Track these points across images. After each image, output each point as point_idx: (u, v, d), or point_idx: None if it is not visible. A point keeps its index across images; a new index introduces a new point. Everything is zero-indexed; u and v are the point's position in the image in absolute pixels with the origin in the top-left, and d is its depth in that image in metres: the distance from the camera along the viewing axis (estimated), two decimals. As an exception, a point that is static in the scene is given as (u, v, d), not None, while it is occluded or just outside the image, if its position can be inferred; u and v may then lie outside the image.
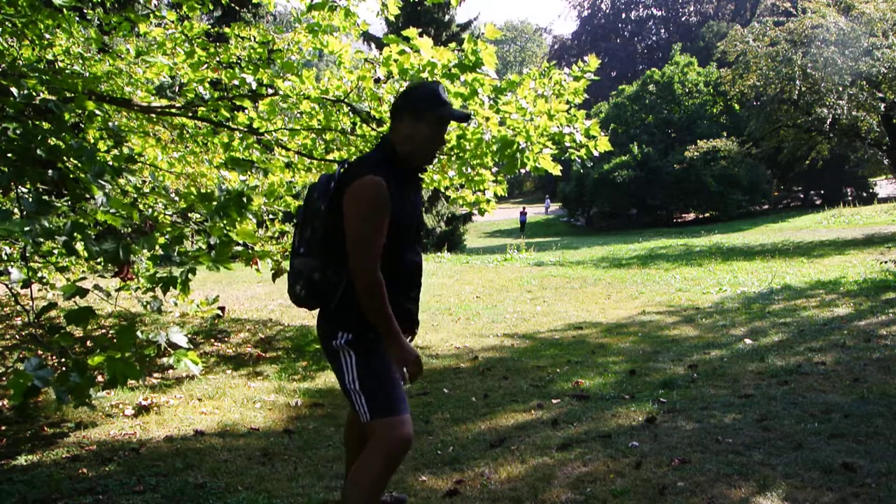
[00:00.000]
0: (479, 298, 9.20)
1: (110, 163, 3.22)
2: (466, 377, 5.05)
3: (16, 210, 3.78)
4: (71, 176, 3.07)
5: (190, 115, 5.19)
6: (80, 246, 3.15)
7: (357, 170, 2.23)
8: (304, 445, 3.64)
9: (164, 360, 3.86)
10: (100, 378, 2.78)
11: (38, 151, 2.88)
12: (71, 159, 3.08)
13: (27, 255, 4.62)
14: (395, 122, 2.32)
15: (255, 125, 5.39)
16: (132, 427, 3.97)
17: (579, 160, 5.08)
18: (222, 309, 7.43)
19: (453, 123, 5.14)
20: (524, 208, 39.71)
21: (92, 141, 5.13)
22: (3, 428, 3.98)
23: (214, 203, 3.15)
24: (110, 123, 4.80)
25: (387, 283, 2.21)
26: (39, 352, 4.59)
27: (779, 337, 5.78)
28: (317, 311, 2.38)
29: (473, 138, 4.90)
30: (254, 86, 4.90)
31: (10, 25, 4.19)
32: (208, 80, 5.15)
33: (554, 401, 4.30)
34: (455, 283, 10.74)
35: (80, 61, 5.10)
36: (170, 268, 3.24)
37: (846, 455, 3.09)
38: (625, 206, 33.90)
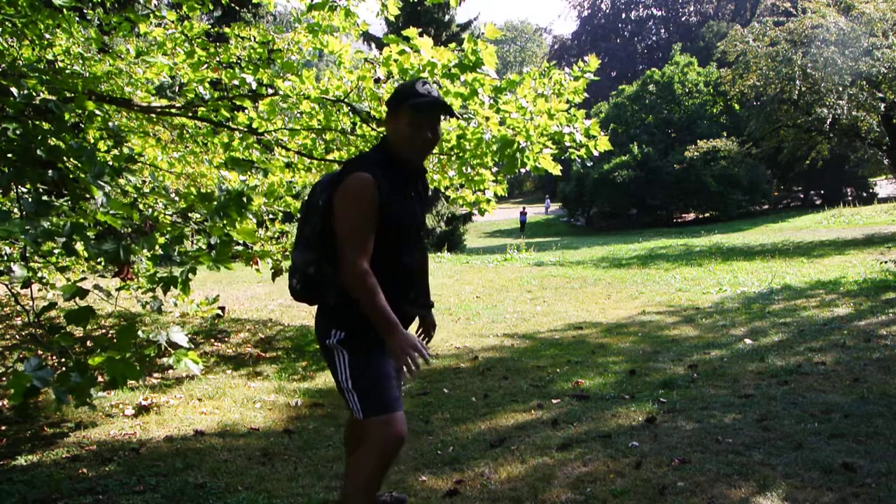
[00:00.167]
0: (479, 298, 9.20)
1: (110, 163, 3.22)
2: (466, 377, 5.05)
3: (15, 210, 3.79)
4: (71, 176, 3.07)
5: (190, 115, 5.19)
6: (80, 246, 3.15)
7: (351, 167, 2.26)
8: (304, 445, 3.64)
9: (164, 360, 3.86)
10: (100, 378, 2.78)
11: (38, 151, 2.88)
12: (71, 159, 3.08)
13: (27, 255, 4.62)
14: (385, 122, 2.36)
15: (255, 125, 5.39)
16: (132, 427, 3.97)
17: (579, 160, 5.08)
18: (222, 309, 7.43)
19: (453, 122, 5.15)
20: (524, 208, 39.72)
21: (92, 141, 5.13)
22: (3, 428, 3.98)
23: (214, 203, 3.15)
24: (110, 123, 4.80)
25: (384, 283, 2.21)
26: (39, 352, 4.59)
27: (779, 337, 5.78)
28: (316, 310, 2.39)
29: (473, 138, 4.90)
30: (254, 86, 4.90)
31: (10, 25, 4.19)
32: (208, 80, 5.15)
33: (554, 401, 4.30)
34: (455, 283, 10.74)
35: (80, 61, 5.10)
36: (170, 268, 3.24)
37: (846, 455, 3.09)
38: (625, 206, 33.91)
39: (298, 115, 5.49)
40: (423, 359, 2.13)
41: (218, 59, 5.07)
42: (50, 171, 2.97)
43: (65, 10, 4.04)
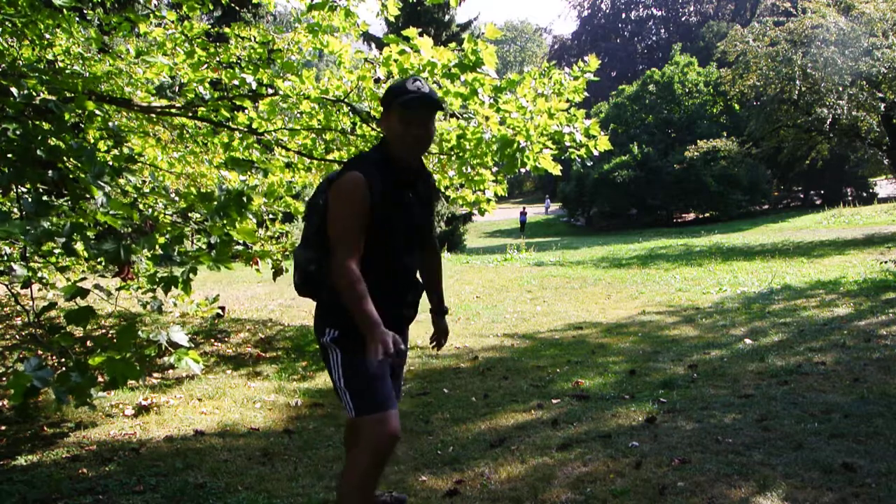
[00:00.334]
0: (479, 298, 9.20)
1: (110, 163, 3.22)
2: (466, 377, 5.05)
3: (15, 210, 3.78)
4: (71, 176, 3.07)
5: (190, 115, 5.20)
6: (80, 246, 3.15)
7: (348, 167, 2.28)
8: (304, 445, 3.64)
9: (164, 359, 3.86)
10: (100, 378, 2.78)
11: (38, 152, 2.88)
12: (71, 159, 3.08)
13: (27, 255, 4.62)
14: (381, 121, 2.36)
15: (255, 125, 5.39)
16: (132, 427, 3.97)
17: (579, 160, 5.09)
18: (222, 309, 7.44)
19: (453, 122, 5.15)
20: (524, 208, 39.72)
21: (92, 141, 5.13)
22: (3, 428, 3.98)
23: (214, 203, 3.15)
24: (110, 123, 4.80)
25: (381, 284, 2.23)
26: (39, 352, 4.59)
27: (779, 337, 5.78)
28: (314, 308, 2.41)
29: (473, 138, 4.90)
30: (254, 86, 4.90)
31: (10, 25, 4.19)
32: (208, 80, 5.15)
33: (554, 401, 4.30)
34: (455, 283, 10.74)
35: (80, 61, 5.10)
36: (170, 268, 3.24)
37: (846, 455, 3.09)
38: (625, 206, 33.91)
39: (298, 115, 5.50)
40: (395, 357, 2.03)
41: (218, 59, 5.07)
42: (50, 171, 2.97)
43: (65, 10, 4.04)
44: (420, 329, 6.60)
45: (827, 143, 18.49)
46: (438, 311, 2.64)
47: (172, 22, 5.07)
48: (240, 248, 4.06)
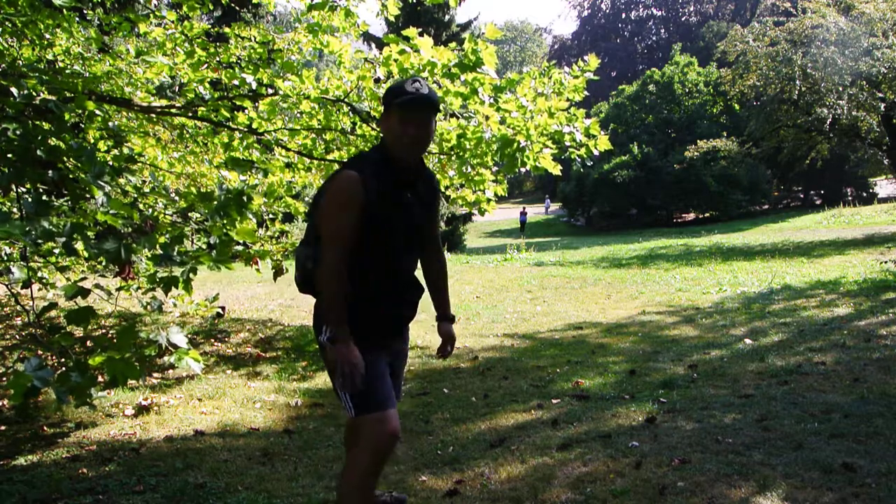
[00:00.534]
0: (479, 298, 9.20)
1: (110, 163, 3.22)
2: (466, 377, 5.05)
3: (15, 210, 3.78)
4: (71, 176, 3.07)
5: (190, 115, 5.20)
6: (80, 246, 3.15)
7: (345, 166, 2.30)
8: (304, 445, 3.64)
9: (164, 359, 3.86)
10: (100, 378, 2.78)
11: (38, 152, 2.88)
12: (71, 159, 3.08)
13: (27, 255, 4.62)
14: (380, 121, 2.37)
15: (255, 125, 5.39)
16: (132, 427, 3.97)
17: (579, 159, 5.08)
18: (222, 309, 7.44)
19: (453, 122, 5.15)
20: (524, 208, 39.71)
21: (92, 141, 5.13)
22: (3, 428, 3.98)
23: (214, 203, 3.15)
24: (110, 123, 4.80)
25: (378, 284, 2.26)
26: (39, 352, 4.59)
27: (779, 337, 5.78)
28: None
29: (473, 137, 4.90)
30: (254, 86, 4.90)
31: (10, 25, 4.19)
32: (208, 80, 5.15)
33: (554, 401, 4.30)
34: (455, 283, 10.74)
35: (80, 61, 5.10)
36: (170, 268, 3.24)
37: (846, 455, 3.09)
38: (625, 206, 33.91)
39: (298, 115, 5.50)
40: (353, 382, 2.16)
41: (218, 59, 5.07)
42: (50, 171, 2.97)
43: (65, 10, 4.04)
44: (420, 329, 6.62)
45: (827, 143, 18.49)
46: (445, 318, 2.59)
47: (172, 22, 5.07)
48: (240, 248, 4.06)
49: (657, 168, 31.35)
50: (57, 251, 5.06)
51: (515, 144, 4.58)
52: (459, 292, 9.75)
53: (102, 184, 2.80)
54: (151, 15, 5.07)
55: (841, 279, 8.88)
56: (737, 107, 27.82)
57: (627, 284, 10.06)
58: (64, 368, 2.52)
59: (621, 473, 3.05)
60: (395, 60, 4.44)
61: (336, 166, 5.38)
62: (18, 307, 5.48)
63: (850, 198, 29.75)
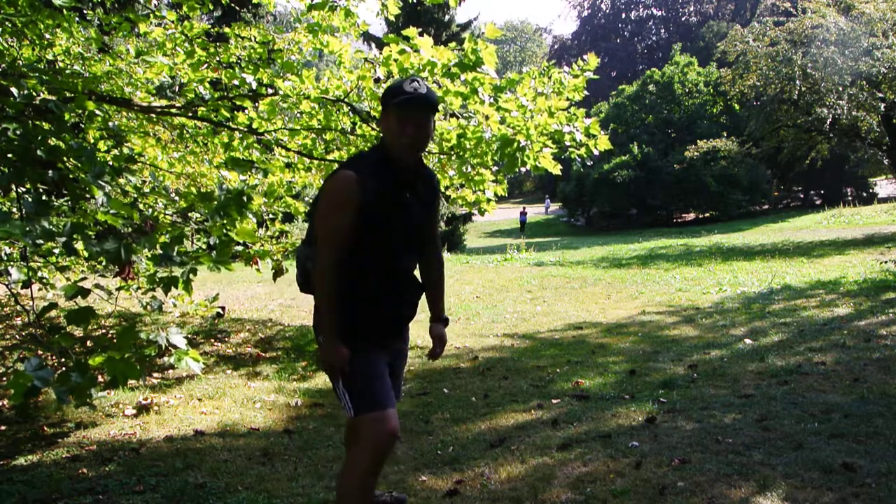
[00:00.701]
0: (479, 298, 9.20)
1: (110, 163, 3.22)
2: (466, 377, 5.05)
3: (15, 210, 3.78)
4: (71, 176, 3.07)
5: (190, 115, 5.20)
6: (80, 246, 3.15)
7: (342, 165, 2.31)
8: (304, 445, 3.64)
9: (164, 360, 3.86)
10: (100, 378, 2.79)
11: (38, 152, 2.88)
12: (71, 159, 3.08)
13: (27, 255, 4.62)
14: (379, 121, 2.39)
15: (255, 125, 5.39)
16: (132, 427, 3.97)
17: (579, 159, 5.08)
18: (222, 309, 7.44)
19: (453, 122, 5.15)
20: (524, 208, 39.71)
21: (92, 141, 5.13)
22: (3, 428, 3.98)
23: (214, 203, 3.15)
24: (110, 123, 4.80)
25: (377, 283, 2.27)
26: (39, 352, 4.59)
27: (779, 337, 5.78)
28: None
29: (474, 137, 4.90)
30: (254, 86, 4.90)
31: (10, 25, 4.19)
32: (208, 80, 5.15)
33: (554, 401, 4.30)
34: (455, 283, 10.74)
35: (80, 61, 5.10)
36: (171, 268, 3.25)
37: (846, 455, 3.09)
38: (625, 206, 33.90)
39: (298, 115, 5.50)
40: (335, 381, 2.27)
41: (218, 59, 5.07)
42: (50, 171, 2.97)
43: (65, 10, 4.04)
44: (420, 329, 6.61)
45: (827, 143, 18.48)
46: (438, 319, 2.59)
47: (172, 22, 5.07)
48: (240, 248, 4.06)
49: (657, 168, 31.35)
50: (57, 251, 5.07)
51: (515, 144, 4.58)
52: (459, 292, 9.75)
53: (102, 184, 2.80)
54: (151, 15, 5.07)
55: (841, 279, 8.88)
56: (737, 107, 27.82)
57: (627, 284, 10.06)
58: (64, 368, 2.52)
59: (621, 473, 3.05)
60: (395, 60, 4.44)
61: (336, 166, 5.37)
62: (18, 307, 5.48)
63: (850, 198, 29.75)
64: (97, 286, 3.44)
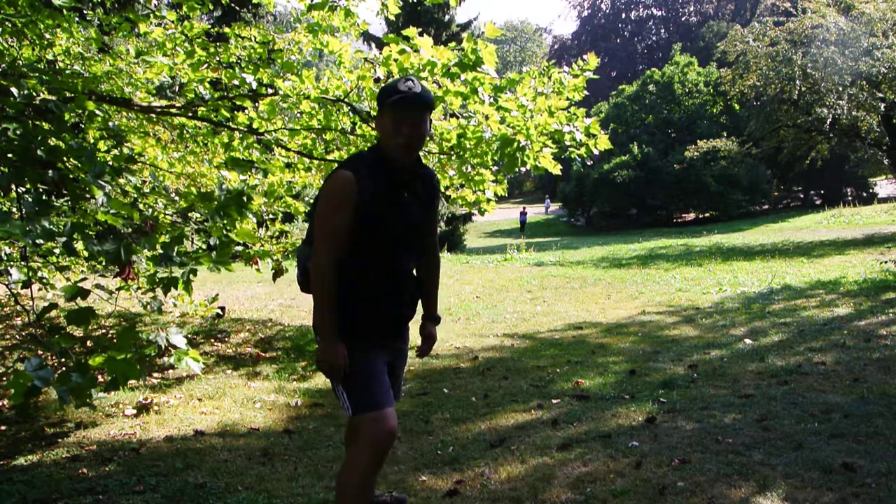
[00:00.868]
0: (479, 298, 9.20)
1: (110, 163, 3.22)
2: (466, 377, 5.05)
3: (15, 210, 3.78)
4: (71, 176, 3.07)
5: (190, 115, 5.19)
6: (80, 245, 3.15)
7: (339, 165, 2.32)
8: (304, 445, 3.64)
9: (164, 360, 3.86)
10: (100, 378, 2.79)
11: (38, 152, 2.88)
12: (71, 159, 3.08)
13: (27, 255, 4.63)
14: (376, 121, 2.39)
15: (255, 125, 5.39)
16: (132, 427, 3.97)
17: (579, 159, 5.08)
18: (222, 309, 7.43)
19: (453, 121, 5.14)
20: (524, 208, 39.71)
21: (92, 141, 5.13)
22: (3, 428, 3.98)
23: (214, 203, 3.15)
24: (110, 123, 4.80)
25: (377, 283, 2.27)
26: (40, 352, 4.59)
27: (779, 337, 5.78)
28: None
29: (474, 137, 4.90)
30: (254, 86, 4.90)
31: (10, 25, 4.19)
32: (208, 80, 5.15)
33: (554, 401, 4.30)
34: (455, 283, 10.74)
35: (80, 61, 5.10)
36: (170, 268, 3.25)
37: (846, 455, 3.09)
38: (625, 206, 33.91)
39: (298, 115, 5.49)
40: (335, 382, 2.28)
41: (218, 59, 5.07)
42: (50, 171, 2.97)
43: (65, 10, 4.04)
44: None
45: (827, 143, 18.49)
46: (431, 318, 2.61)
47: (172, 22, 5.07)
48: (240, 248, 4.06)
49: (657, 168, 31.35)
50: (57, 251, 5.07)
51: (515, 144, 4.58)
52: (459, 292, 9.75)
53: (102, 184, 2.79)
54: (151, 15, 5.07)
55: (841, 279, 8.88)
56: (737, 107, 27.81)
57: (627, 284, 10.06)
58: (64, 369, 2.52)
59: (621, 473, 3.05)
60: (395, 60, 4.44)
61: (336, 166, 5.37)
62: (18, 307, 5.48)
63: (850, 198, 29.75)
64: (97, 286, 3.44)
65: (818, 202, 32.69)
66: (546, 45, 67.23)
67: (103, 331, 6.83)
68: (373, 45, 22.66)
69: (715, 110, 32.24)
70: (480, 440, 3.62)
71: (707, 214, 32.69)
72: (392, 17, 4.97)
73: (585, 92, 5.21)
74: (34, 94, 3.15)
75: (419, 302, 2.54)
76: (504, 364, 5.41)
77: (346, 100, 4.97)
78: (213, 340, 6.60)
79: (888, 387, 4.13)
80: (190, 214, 4.47)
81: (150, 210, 4.86)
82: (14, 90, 3.06)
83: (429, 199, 2.42)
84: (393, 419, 2.22)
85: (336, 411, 4.22)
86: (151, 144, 6.04)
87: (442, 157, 5.40)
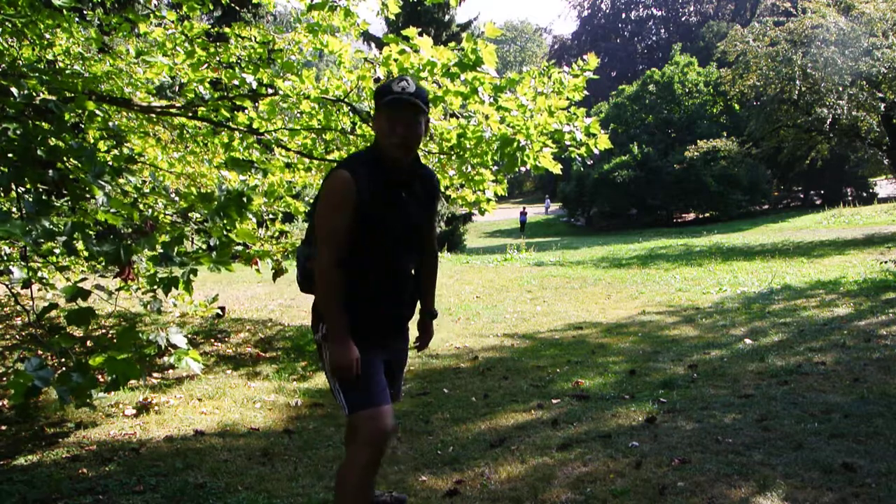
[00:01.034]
0: (479, 298, 9.19)
1: (110, 163, 3.22)
2: (466, 377, 5.05)
3: (15, 210, 3.78)
4: (71, 176, 3.07)
5: (190, 115, 5.19)
6: (80, 245, 3.15)
7: (338, 165, 2.33)
8: (304, 445, 3.64)
9: (164, 360, 3.86)
10: (101, 378, 2.79)
11: (38, 151, 2.88)
12: (71, 159, 3.08)
13: (27, 255, 4.62)
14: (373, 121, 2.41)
15: (255, 125, 5.39)
16: (132, 427, 3.97)
17: (579, 159, 5.08)
18: (222, 309, 7.44)
19: (453, 121, 5.14)
20: (524, 208, 39.70)
21: (92, 141, 5.13)
22: (3, 428, 3.98)
23: (214, 203, 3.15)
24: (110, 123, 4.80)
25: (377, 283, 2.28)
26: (40, 352, 4.59)
27: (779, 337, 5.78)
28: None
29: (474, 136, 4.90)
30: (254, 86, 4.90)
31: (10, 25, 4.19)
32: (208, 80, 5.15)
33: (554, 401, 4.30)
34: (455, 283, 10.74)
35: (80, 61, 5.10)
36: (170, 268, 3.25)
37: (846, 455, 3.09)
38: (625, 206, 33.91)
39: (298, 115, 5.49)
40: (332, 381, 2.29)
41: (218, 59, 5.07)
42: (50, 171, 2.97)
43: (65, 10, 4.04)
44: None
45: (827, 143, 18.48)
46: (429, 313, 2.64)
47: (172, 22, 5.07)
48: (240, 248, 4.06)
49: (657, 168, 31.35)
50: (57, 251, 5.06)
51: (515, 143, 4.58)
52: (459, 292, 9.75)
53: (102, 184, 2.80)
54: (151, 15, 5.07)
55: (841, 279, 8.88)
56: (737, 107, 27.82)
57: (627, 284, 10.06)
58: (64, 369, 2.52)
59: (621, 473, 3.05)
60: (395, 60, 4.44)
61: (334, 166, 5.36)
62: (18, 307, 5.48)
63: (850, 198, 29.75)
64: (97, 287, 3.44)
65: (818, 202, 32.69)
66: (546, 45, 67.23)
67: (103, 331, 6.83)
68: (373, 45, 22.65)
69: (715, 110, 32.24)
70: (480, 440, 3.62)
71: (707, 214, 32.69)
72: (392, 17, 4.97)
73: (585, 92, 5.21)
74: (34, 94, 3.16)
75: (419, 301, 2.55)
76: (504, 364, 5.41)
77: (346, 100, 4.97)
78: (213, 340, 6.60)
79: (888, 387, 4.13)
80: (190, 214, 4.47)
81: (150, 210, 4.86)
82: (14, 90, 3.06)
83: (428, 198, 2.42)
84: (388, 417, 2.23)
85: (336, 411, 4.22)
86: (151, 144, 6.04)
87: (442, 157, 5.40)
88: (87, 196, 3.19)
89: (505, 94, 4.73)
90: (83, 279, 3.34)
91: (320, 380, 5.04)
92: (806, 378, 4.45)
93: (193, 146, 6.03)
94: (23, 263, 4.54)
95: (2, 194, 4.27)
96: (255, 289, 10.41)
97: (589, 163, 5.20)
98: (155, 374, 5.20)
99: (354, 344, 2.24)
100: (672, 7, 57.46)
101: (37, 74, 3.36)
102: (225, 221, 3.21)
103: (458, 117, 5.33)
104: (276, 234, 6.09)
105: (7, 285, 4.28)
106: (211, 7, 5.03)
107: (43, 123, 3.17)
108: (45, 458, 3.45)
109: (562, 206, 40.36)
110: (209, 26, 5.56)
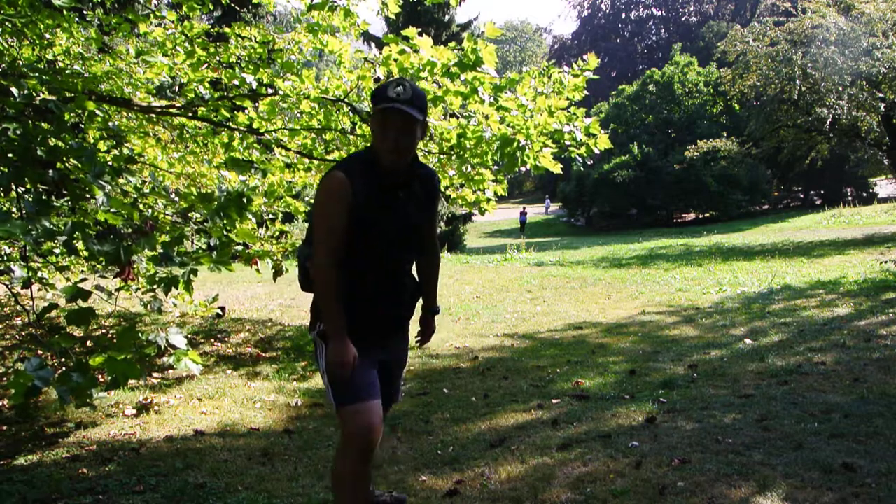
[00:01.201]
0: (479, 298, 9.19)
1: (110, 163, 3.22)
2: (466, 377, 5.05)
3: (15, 210, 3.78)
4: (71, 176, 3.07)
5: (190, 115, 5.19)
6: (80, 245, 3.15)
7: (334, 166, 2.33)
8: (304, 445, 3.65)
9: (164, 359, 3.86)
10: (101, 378, 2.79)
11: (38, 152, 2.88)
12: (71, 159, 3.08)
13: (27, 255, 4.62)
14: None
15: (255, 125, 5.39)
16: (132, 427, 3.97)
17: (579, 159, 5.08)
18: (222, 309, 7.44)
19: (453, 121, 5.15)
20: (524, 208, 39.71)
21: (92, 141, 5.13)
22: (3, 428, 3.98)
23: (214, 203, 3.15)
24: (110, 123, 4.80)
25: (376, 284, 2.29)
26: (40, 352, 4.59)
27: (779, 337, 5.78)
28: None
29: (474, 136, 4.90)
30: (254, 86, 4.90)
31: (10, 25, 4.19)
32: (208, 80, 5.15)
33: (554, 401, 4.30)
34: (455, 283, 10.74)
35: (80, 61, 5.10)
36: (170, 268, 3.25)
37: (846, 455, 3.09)
38: (625, 206, 33.91)
39: (298, 115, 5.49)
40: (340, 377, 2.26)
41: (218, 59, 5.07)
42: (50, 171, 2.97)
43: (65, 10, 4.04)
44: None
45: (827, 143, 18.49)
46: (431, 310, 2.65)
47: (172, 22, 5.07)
48: (240, 248, 4.06)
49: (657, 168, 31.35)
50: (57, 251, 5.06)
51: (515, 143, 4.58)
52: (459, 292, 9.75)
53: (102, 184, 2.80)
54: (151, 15, 5.07)
55: (841, 279, 8.88)
56: (737, 107, 27.82)
57: (627, 284, 10.06)
58: (64, 369, 2.52)
59: (621, 473, 3.05)
60: (395, 60, 4.44)
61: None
62: (18, 307, 5.48)
63: (850, 198, 29.75)
64: (97, 287, 3.44)
65: (818, 202, 32.70)
66: (546, 45, 67.23)
67: (103, 331, 6.83)
68: (373, 45, 22.65)
69: (715, 110, 32.25)
70: (480, 440, 3.62)
71: (707, 214, 32.69)
72: (392, 17, 4.98)
73: (585, 92, 5.21)
74: (34, 94, 3.16)
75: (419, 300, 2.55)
76: (504, 364, 5.41)
77: (346, 100, 4.97)
78: (213, 340, 6.60)
79: (888, 387, 4.13)
80: (190, 214, 4.47)
81: (150, 210, 4.86)
82: (14, 90, 3.06)
83: (428, 199, 2.41)
84: (372, 413, 2.23)
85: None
86: (151, 144, 6.04)
87: (442, 156, 5.40)
88: (87, 196, 3.19)
89: (505, 94, 4.72)
90: (83, 279, 3.35)
91: (320, 380, 5.03)
92: (806, 378, 4.45)
93: (193, 146, 6.04)
94: (23, 263, 4.54)
95: (2, 194, 4.27)
96: (255, 289, 10.41)
97: (589, 163, 5.19)
98: (155, 374, 5.20)
99: (352, 343, 2.25)
100: (672, 7, 57.47)
101: (37, 74, 3.36)
102: (225, 221, 3.21)
103: (458, 117, 5.34)
104: (276, 234, 6.09)
105: (7, 285, 4.28)
106: (211, 7, 5.03)
107: (43, 123, 3.17)
108: (45, 458, 3.45)
109: (562, 206, 40.37)
110: (209, 26, 5.57)
